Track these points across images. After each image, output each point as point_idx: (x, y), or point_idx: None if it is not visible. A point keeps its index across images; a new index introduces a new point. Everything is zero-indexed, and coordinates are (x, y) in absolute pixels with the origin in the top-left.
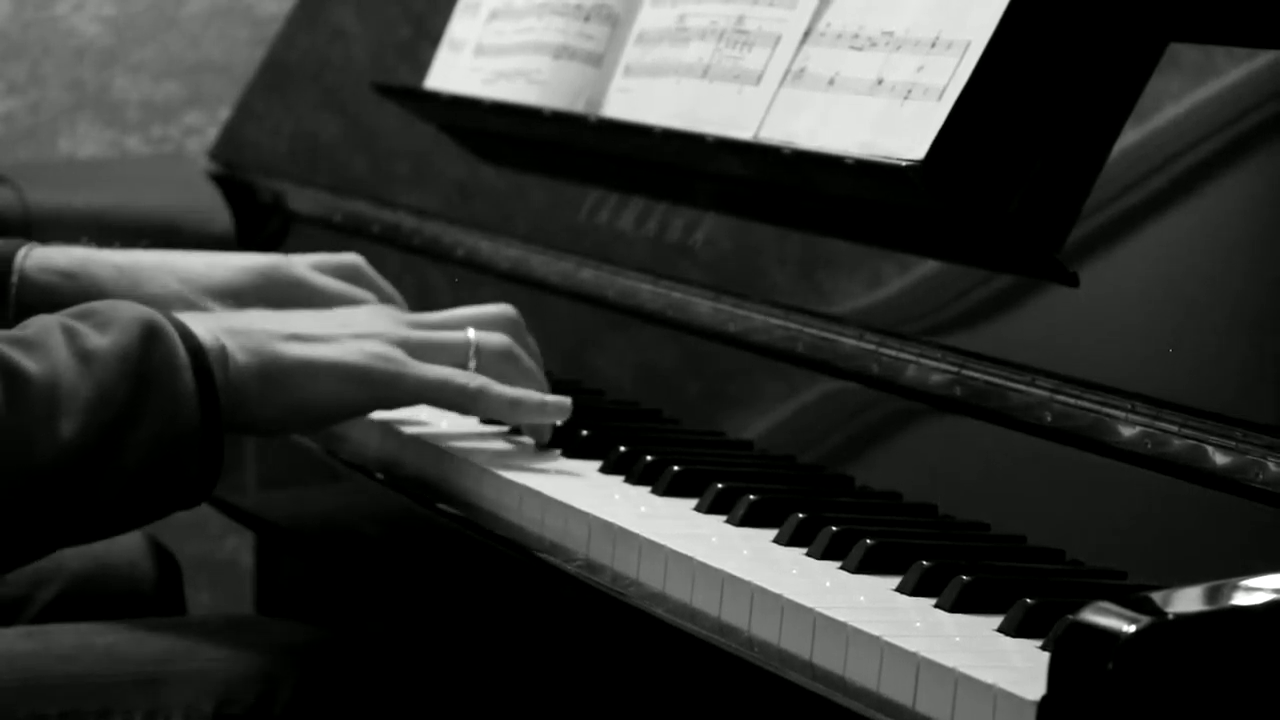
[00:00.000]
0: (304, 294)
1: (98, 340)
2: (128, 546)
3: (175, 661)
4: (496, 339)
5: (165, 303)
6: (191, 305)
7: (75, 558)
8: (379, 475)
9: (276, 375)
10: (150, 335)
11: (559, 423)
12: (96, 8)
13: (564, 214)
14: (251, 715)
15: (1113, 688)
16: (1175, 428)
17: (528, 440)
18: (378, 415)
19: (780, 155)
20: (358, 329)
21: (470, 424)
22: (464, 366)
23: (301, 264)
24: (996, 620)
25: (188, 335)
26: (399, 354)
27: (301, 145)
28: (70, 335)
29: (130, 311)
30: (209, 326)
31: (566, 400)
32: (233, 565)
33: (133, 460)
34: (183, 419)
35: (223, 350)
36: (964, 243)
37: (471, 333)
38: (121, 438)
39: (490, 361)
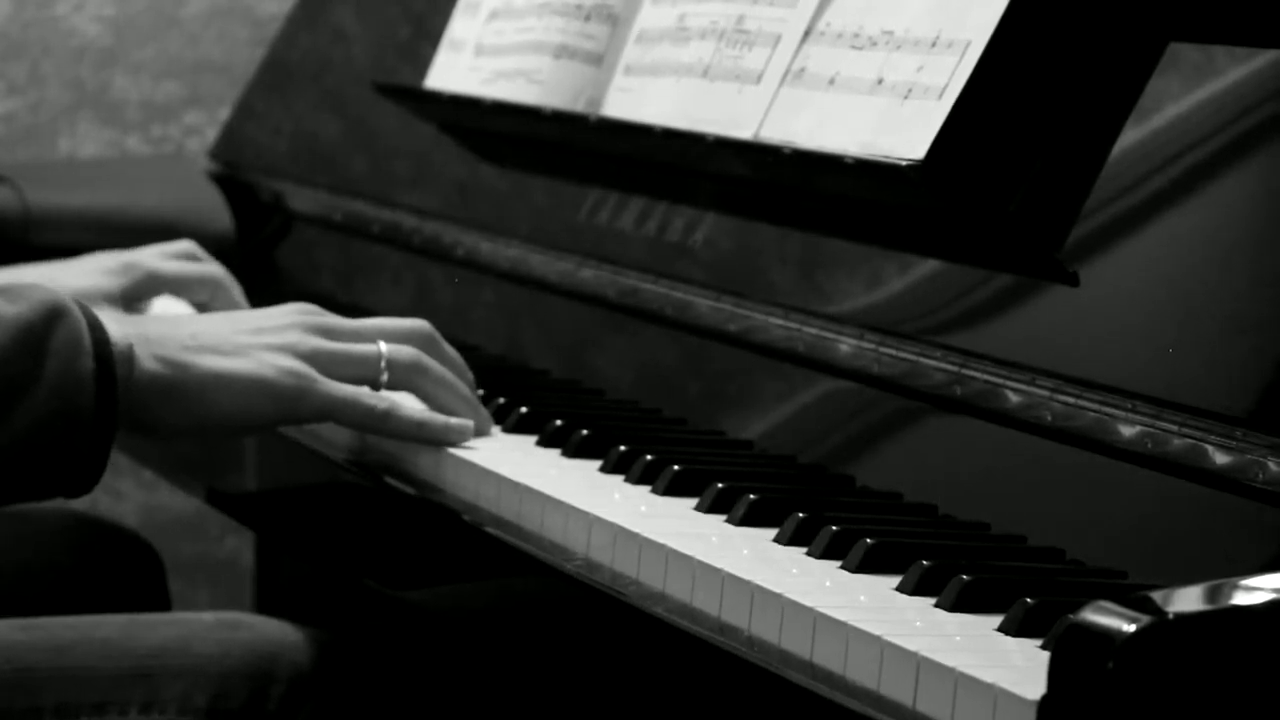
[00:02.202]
0: (163, 284)
1: (4, 308)
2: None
3: (170, 656)
4: (407, 351)
5: None
6: None
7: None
8: (382, 477)
9: (185, 385)
10: (55, 314)
11: (460, 440)
12: (96, 8)
13: (564, 213)
14: (245, 710)
15: (1113, 687)
16: (1175, 428)
17: (528, 440)
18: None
19: (780, 155)
20: (270, 339)
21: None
22: (376, 379)
23: (150, 255)
24: (997, 620)
25: (96, 326)
26: (309, 370)
27: (302, 145)
28: None
29: (42, 293)
30: (123, 329)
31: (469, 424)
32: (233, 565)
33: (20, 429)
34: (77, 399)
35: (130, 350)
36: (964, 242)
37: (383, 345)
38: (12, 405)
39: (401, 374)
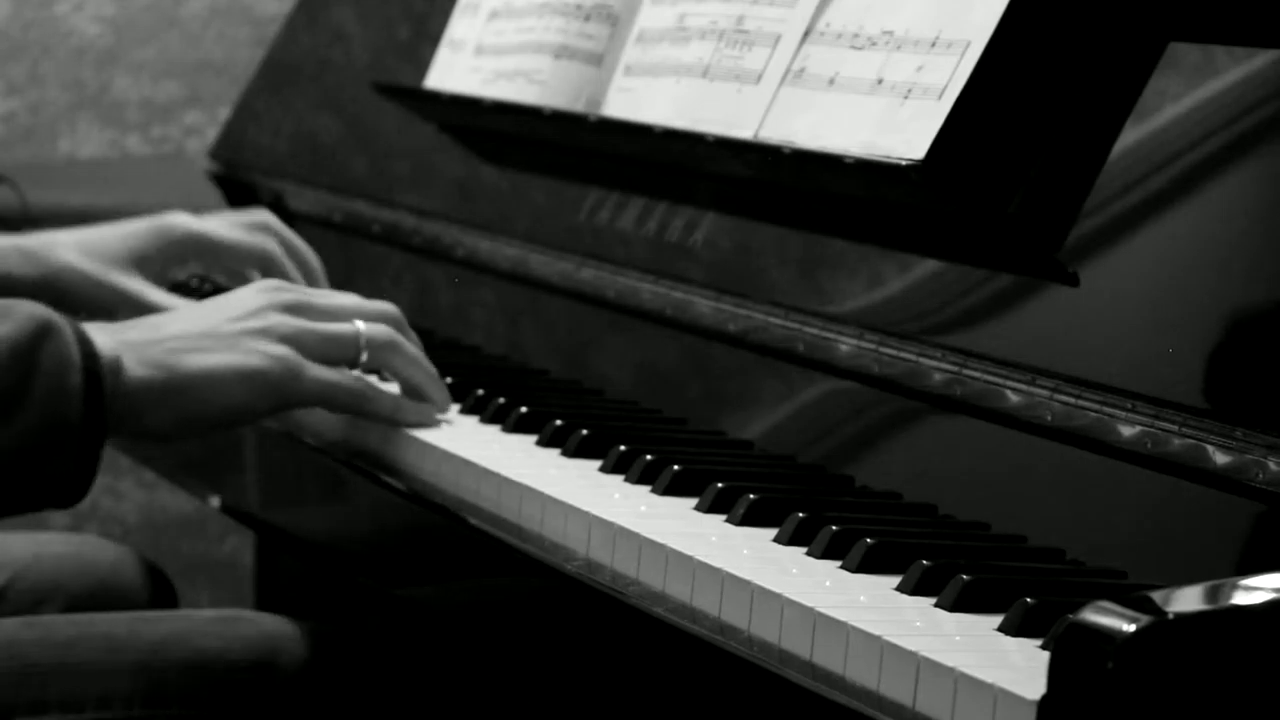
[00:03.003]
0: (203, 246)
1: None
2: (125, 569)
3: (172, 650)
4: (383, 330)
5: (71, 277)
6: (97, 276)
7: (75, 578)
8: (382, 477)
9: (174, 386)
10: (43, 332)
11: (434, 418)
12: (96, 8)
13: (564, 214)
14: (247, 703)
15: (1113, 687)
16: (1175, 428)
17: (528, 440)
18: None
19: (780, 155)
20: (250, 324)
21: (467, 425)
22: (356, 358)
23: (211, 222)
24: (996, 620)
25: (84, 340)
26: (294, 354)
27: (301, 145)
28: None
29: (30, 309)
30: (111, 337)
31: (433, 407)
32: (233, 565)
33: (10, 445)
34: (65, 414)
35: (118, 360)
36: (964, 243)
37: (360, 324)
38: (2, 423)
39: (378, 353)
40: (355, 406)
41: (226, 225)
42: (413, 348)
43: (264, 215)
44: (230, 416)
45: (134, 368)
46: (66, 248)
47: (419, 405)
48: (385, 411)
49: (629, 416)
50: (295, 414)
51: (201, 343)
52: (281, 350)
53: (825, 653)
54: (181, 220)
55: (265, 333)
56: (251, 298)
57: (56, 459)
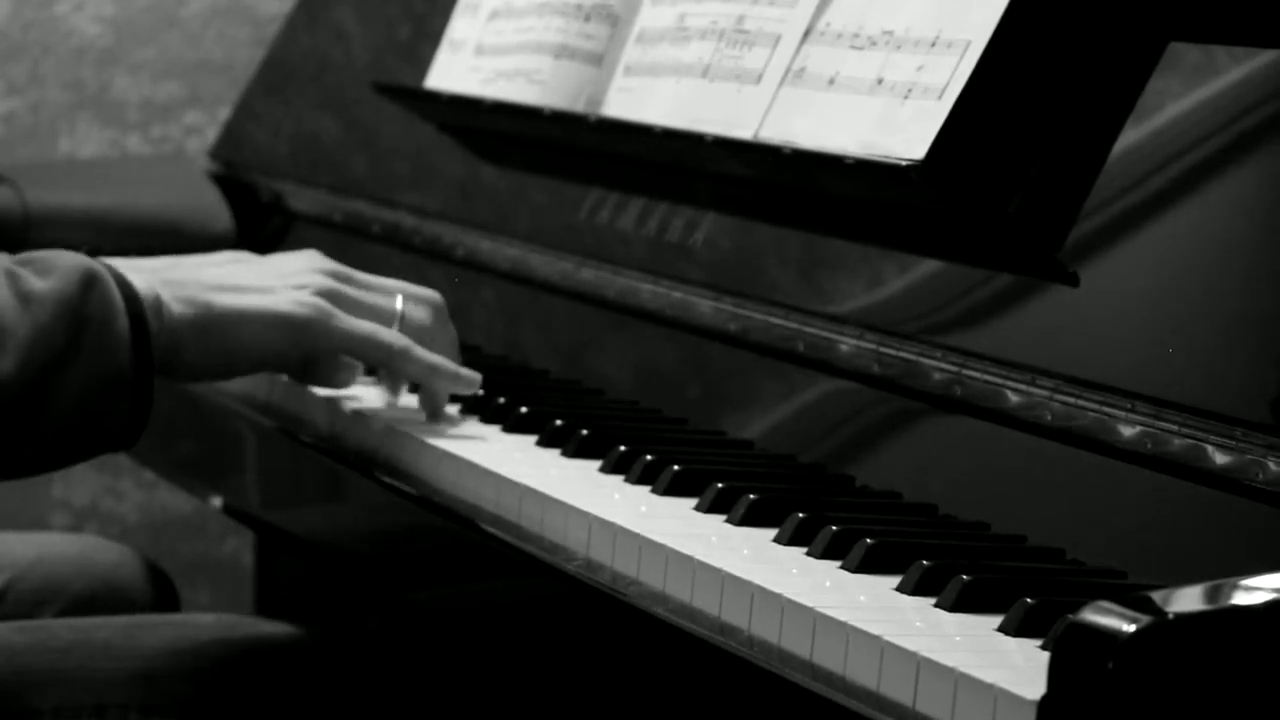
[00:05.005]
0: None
1: (38, 284)
2: (126, 569)
3: (169, 657)
4: (421, 311)
5: None
6: None
7: (76, 578)
8: (382, 477)
9: (210, 323)
10: (88, 281)
11: (469, 393)
12: (96, 8)
13: (564, 214)
14: (246, 710)
15: (1113, 687)
16: (1175, 428)
17: (528, 440)
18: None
19: (780, 155)
20: (292, 280)
21: (467, 425)
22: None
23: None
24: (996, 620)
25: (124, 284)
26: (327, 305)
27: (302, 145)
28: (12, 278)
29: (71, 260)
30: (146, 278)
31: (476, 376)
32: (233, 565)
33: (67, 399)
34: (116, 362)
35: (158, 299)
36: (964, 243)
37: (399, 301)
38: (57, 376)
39: (413, 332)
40: (386, 359)
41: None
42: (445, 340)
43: (312, 254)
44: (260, 356)
45: (172, 305)
46: (130, 270)
47: (458, 372)
48: (418, 371)
49: (629, 416)
50: (296, 411)
51: (238, 285)
52: (316, 299)
53: (825, 653)
54: (245, 256)
55: (303, 286)
56: (298, 260)
57: (113, 405)
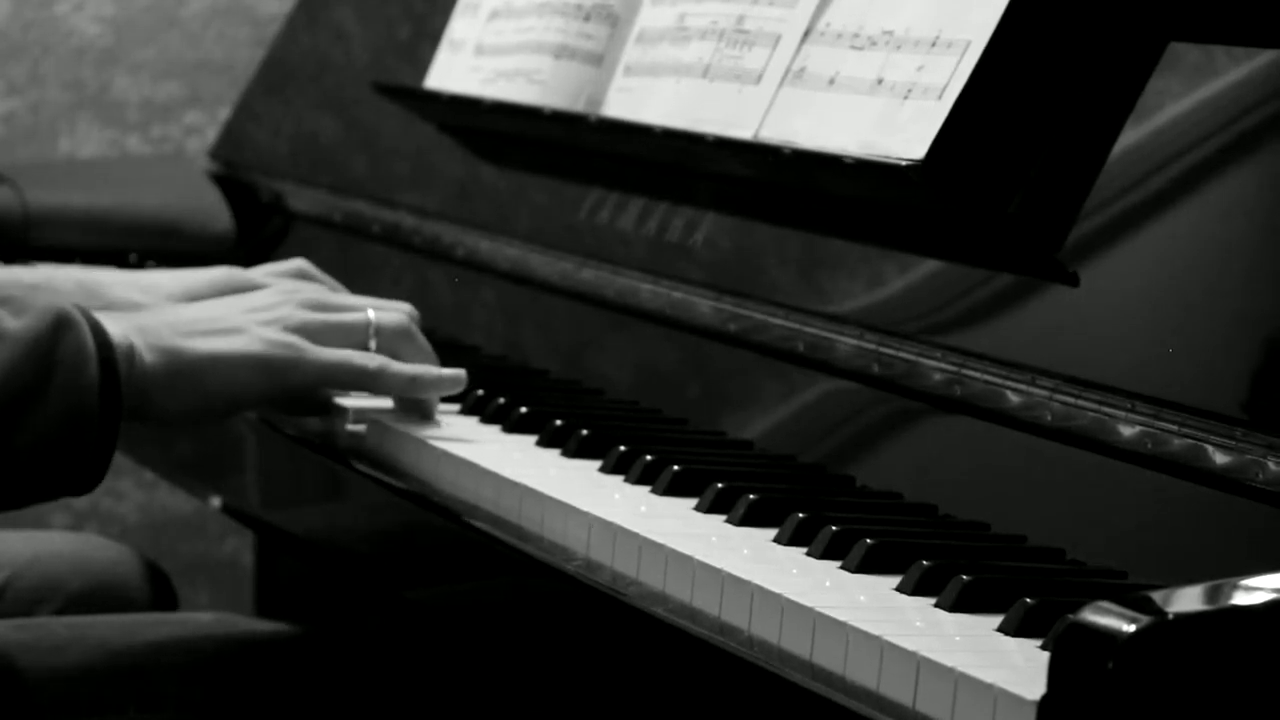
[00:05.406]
0: None
1: (11, 323)
2: (125, 568)
3: (166, 654)
4: (394, 318)
5: (125, 309)
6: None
7: (74, 577)
8: (382, 477)
9: (182, 370)
10: (61, 324)
11: (456, 391)
12: (96, 8)
13: (564, 214)
14: (243, 709)
15: (1113, 687)
16: (1175, 428)
17: (528, 441)
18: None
19: (780, 155)
20: (261, 315)
21: (467, 426)
22: (365, 346)
23: (257, 273)
24: (996, 620)
25: (99, 330)
26: (298, 340)
27: (302, 145)
28: None
29: (47, 301)
30: (121, 325)
31: (460, 373)
32: (233, 565)
33: (29, 440)
34: (83, 405)
35: (131, 348)
36: (964, 243)
37: (371, 312)
38: (21, 417)
39: (389, 340)
40: (363, 383)
41: (270, 275)
42: (423, 340)
43: (301, 263)
44: (235, 399)
45: (144, 352)
46: (125, 286)
47: (439, 375)
48: (398, 386)
49: (629, 417)
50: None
51: (210, 328)
52: (284, 336)
53: (825, 653)
54: (237, 273)
55: (272, 322)
56: (270, 295)
57: (75, 448)
